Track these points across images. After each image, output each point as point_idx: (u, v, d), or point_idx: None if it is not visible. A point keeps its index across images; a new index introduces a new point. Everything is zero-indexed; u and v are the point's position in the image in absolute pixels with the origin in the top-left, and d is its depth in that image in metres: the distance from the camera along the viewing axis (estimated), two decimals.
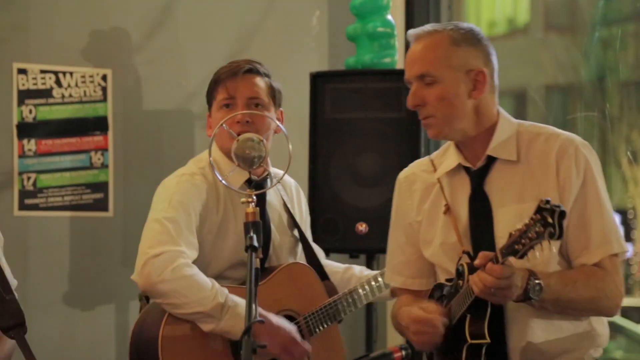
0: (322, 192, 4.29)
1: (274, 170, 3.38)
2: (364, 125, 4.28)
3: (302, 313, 3.34)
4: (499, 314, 2.73)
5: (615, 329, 8.00)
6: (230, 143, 3.13)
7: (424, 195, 2.94)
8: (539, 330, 2.77)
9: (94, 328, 4.44)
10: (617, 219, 2.84)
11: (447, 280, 2.85)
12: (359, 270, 3.61)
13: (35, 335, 4.41)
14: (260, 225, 2.68)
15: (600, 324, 2.86)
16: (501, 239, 2.69)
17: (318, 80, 4.37)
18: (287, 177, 3.45)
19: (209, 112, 3.42)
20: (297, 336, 3.22)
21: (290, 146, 2.85)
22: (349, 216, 4.17)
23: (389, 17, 4.52)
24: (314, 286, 3.41)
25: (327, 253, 4.29)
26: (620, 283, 2.78)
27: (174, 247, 3.09)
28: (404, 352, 2.39)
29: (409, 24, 4.88)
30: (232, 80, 3.33)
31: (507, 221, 2.73)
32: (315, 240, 4.31)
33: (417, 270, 2.97)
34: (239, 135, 2.88)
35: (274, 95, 3.41)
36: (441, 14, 4.96)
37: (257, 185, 3.26)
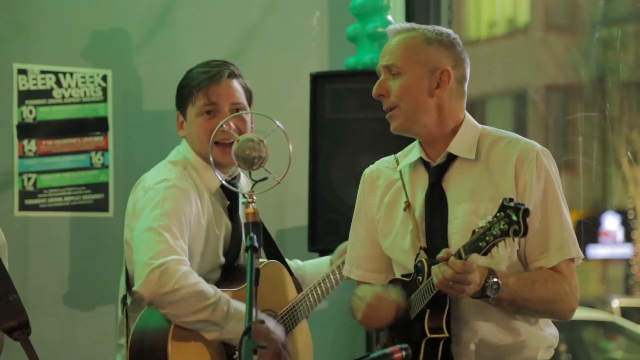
0: (322, 193, 4.29)
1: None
2: (364, 126, 4.28)
3: (278, 311, 3.37)
4: (454, 309, 2.80)
5: (615, 329, 8.03)
6: (208, 147, 3.17)
7: (385, 190, 3.03)
8: (492, 328, 2.85)
9: (94, 328, 4.44)
10: (572, 225, 2.92)
11: (404, 275, 2.92)
12: (294, 263, 3.64)
13: (36, 335, 4.40)
14: (260, 225, 2.69)
15: (550, 326, 2.96)
16: (454, 234, 2.84)
17: (318, 81, 4.37)
18: (243, 179, 3.45)
19: (179, 112, 3.43)
20: (286, 341, 3.25)
21: (291, 147, 2.85)
22: (350, 217, 4.12)
23: (389, 17, 4.52)
24: (285, 283, 3.43)
25: (328, 254, 4.29)
26: (575, 288, 2.86)
27: (174, 256, 3.08)
28: (404, 353, 2.40)
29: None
30: (214, 87, 3.33)
31: (461, 218, 2.84)
32: (315, 241, 4.32)
33: (376, 265, 3.05)
34: (216, 141, 3.02)
35: (250, 96, 3.43)
36: (441, 15, 4.96)
37: (230, 185, 3.27)
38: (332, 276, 3.49)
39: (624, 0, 6.15)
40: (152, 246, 3.10)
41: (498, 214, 2.54)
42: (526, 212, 2.51)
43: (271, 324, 3.20)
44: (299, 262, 3.70)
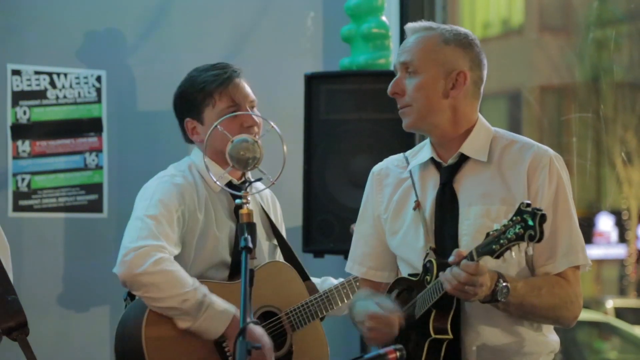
0: (316, 193, 4.29)
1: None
2: (358, 127, 4.29)
3: (283, 309, 3.38)
4: (458, 311, 2.81)
5: (609, 329, 8.03)
6: (223, 145, 3.19)
7: (394, 189, 3.02)
8: (494, 332, 2.85)
9: (89, 329, 4.44)
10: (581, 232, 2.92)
11: (410, 275, 2.92)
12: (337, 281, 3.64)
13: (30, 336, 4.39)
14: (255, 226, 2.70)
15: (551, 332, 2.96)
16: (465, 236, 2.83)
17: (313, 82, 4.37)
18: (260, 187, 3.46)
19: (189, 119, 3.43)
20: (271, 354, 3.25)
21: (285, 147, 2.85)
22: (344, 217, 4.17)
23: (384, 18, 4.53)
24: (294, 284, 3.45)
25: (322, 254, 4.29)
26: (580, 295, 2.86)
27: (154, 241, 3.14)
28: (398, 353, 2.40)
29: (404, 25, 4.87)
30: (234, 88, 3.39)
31: (473, 220, 2.83)
32: (309, 242, 4.32)
33: (380, 263, 3.04)
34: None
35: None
36: (436, 15, 4.96)
37: (237, 188, 3.28)
38: (351, 284, 3.49)
39: (618, 1, 6.16)
40: (134, 232, 3.18)
41: (514, 218, 2.53)
42: (543, 217, 2.50)
43: (257, 330, 3.22)
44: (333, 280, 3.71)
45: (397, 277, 3.01)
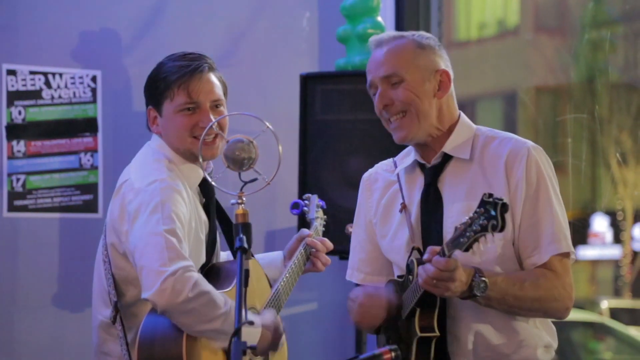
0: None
1: None
2: (354, 127, 4.29)
3: (258, 307, 3.29)
4: (444, 309, 2.83)
5: (604, 330, 8.04)
6: (187, 142, 3.15)
7: (382, 193, 3.06)
8: (489, 327, 2.87)
9: (84, 330, 4.42)
10: (567, 221, 2.92)
11: (399, 276, 2.95)
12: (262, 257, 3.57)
13: (25, 337, 4.40)
14: (250, 227, 2.68)
15: (546, 326, 2.96)
16: (449, 234, 2.81)
17: (308, 82, 4.38)
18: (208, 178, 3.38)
19: (151, 107, 3.28)
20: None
21: (280, 148, 2.85)
22: (339, 217, 4.17)
23: (379, 19, 4.53)
24: (263, 278, 3.39)
25: None
26: (569, 285, 2.85)
27: (184, 262, 2.97)
28: (393, 354, 2.41)
29: (399, 25, 4.89)
30: (195, 83, 3.21)
31: (456, 217, 2.85)
32: None
33: (376, 268, 3.08)
34: (194, 136, 3.03)
35: (225, 89, 3.33)
36: (431, 16, 4.96)
37: (205, 180, 3.20)
38: (294, 267, 3.45)
39: (613, 2, 6.16)
40: (160, 252, 2.96)
41: (478, 210, 2.55)
42: (504, 206, 2.51)
43: (275, 317, 3.18)
44: None
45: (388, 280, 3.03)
